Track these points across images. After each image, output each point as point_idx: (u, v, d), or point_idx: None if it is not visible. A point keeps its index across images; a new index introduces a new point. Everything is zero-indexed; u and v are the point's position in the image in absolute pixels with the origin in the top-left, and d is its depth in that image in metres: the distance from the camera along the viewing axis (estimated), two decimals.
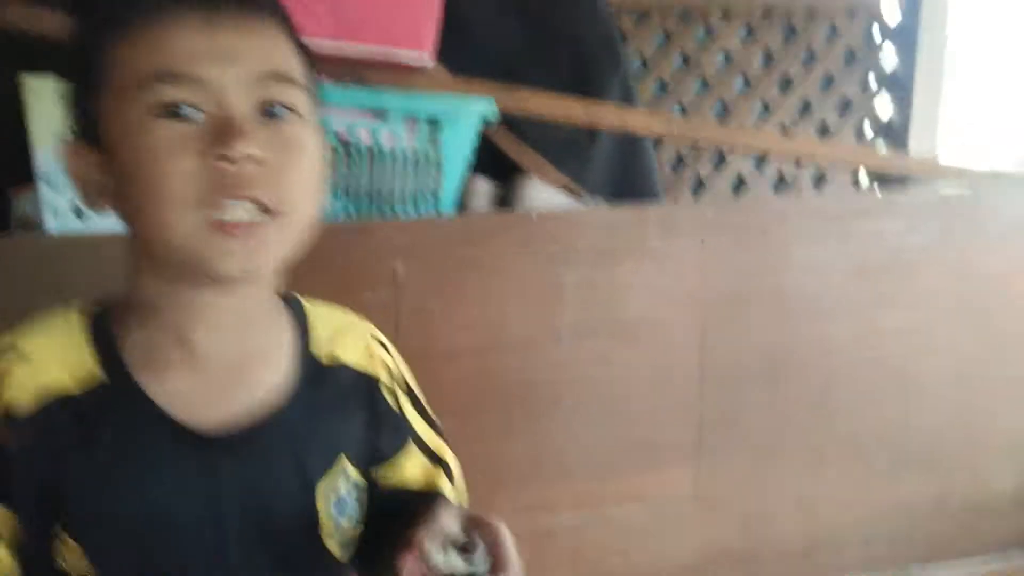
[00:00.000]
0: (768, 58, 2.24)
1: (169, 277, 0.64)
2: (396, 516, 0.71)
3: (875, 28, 2.27)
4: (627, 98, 1.78)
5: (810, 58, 2.25)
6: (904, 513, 1.63)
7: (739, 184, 2.30)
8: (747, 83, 2.24)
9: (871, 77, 2.30)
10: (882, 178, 2.12)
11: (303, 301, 0.76)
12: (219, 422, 0.66)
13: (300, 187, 0.62)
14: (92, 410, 0.64)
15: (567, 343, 1.40)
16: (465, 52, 1.50)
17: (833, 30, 2.24)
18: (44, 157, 1.20)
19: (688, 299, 1.45)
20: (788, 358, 1.51)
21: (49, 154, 1.19)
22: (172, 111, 0.59)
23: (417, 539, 0.61)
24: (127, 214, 0.63)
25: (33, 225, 1.28)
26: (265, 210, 0.60)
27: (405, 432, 0.78)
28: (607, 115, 1.44)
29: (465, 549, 0.62)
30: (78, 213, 1.22)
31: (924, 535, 1.65)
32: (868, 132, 2.34)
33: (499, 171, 1.50)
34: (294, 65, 0.64)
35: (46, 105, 1.18)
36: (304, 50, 0.67)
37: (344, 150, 1.30)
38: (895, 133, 2.31)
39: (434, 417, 0.82)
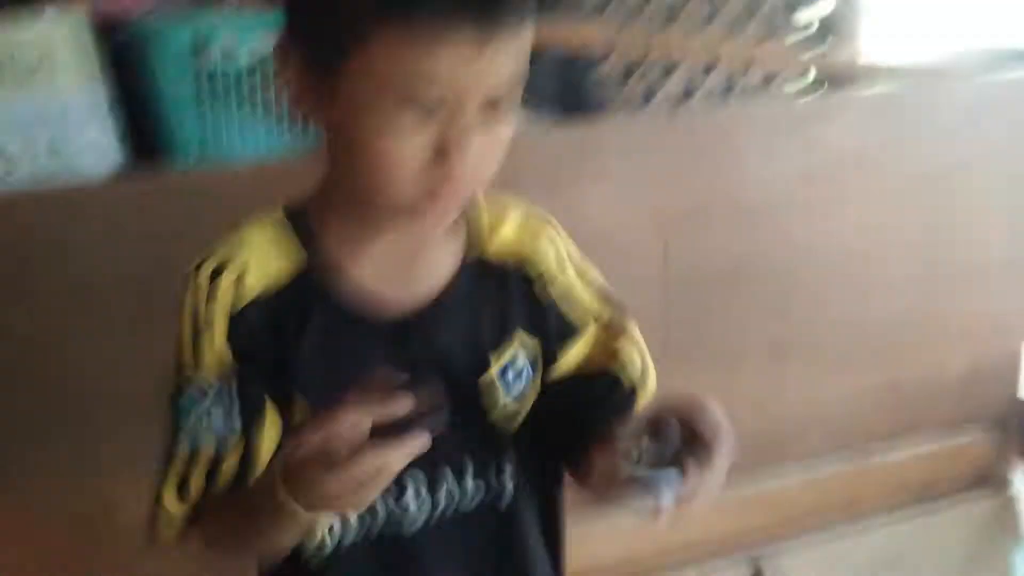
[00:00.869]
0: None
1: (367, 207, 0.70)
2: (585, 405, 0.77)
3: None
4: (571, 9, 1.70)
5: None
6: (862, 398, 1.66)
7: (686, 94, 2.25)
8: None
9: None
10: (827, 77, 2.09)
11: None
12: (401, 306, 0.73)
13: (495, 168, 0.68)
14: (299, 298, 0.72)
15: None
16: None
17: None
18: None
19: (646, 214, 1.42)
20: (748, 263, 1.50)
21: None
22: (415, 105, 0.61)
23: (613, 436, 0.65)
24: (340, 155, 0.69)
25: None
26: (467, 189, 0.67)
27: (569, 323, 0.79)
28: (555, 31, 1.36)
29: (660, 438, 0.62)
30: None
31: (881, 417, 1.69)
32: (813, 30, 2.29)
33: None
34: (526, 64, 0.66)
35: None
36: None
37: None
38: (840, 31, 2.26)
39: (608, 291, 0.83)
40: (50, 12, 1.12)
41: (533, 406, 0.78)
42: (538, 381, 0.78)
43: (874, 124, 1.53)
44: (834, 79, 2.06)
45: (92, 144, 1.17)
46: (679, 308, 1.48)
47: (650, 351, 1.45)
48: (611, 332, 0.81)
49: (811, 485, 1.66)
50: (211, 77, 1.18)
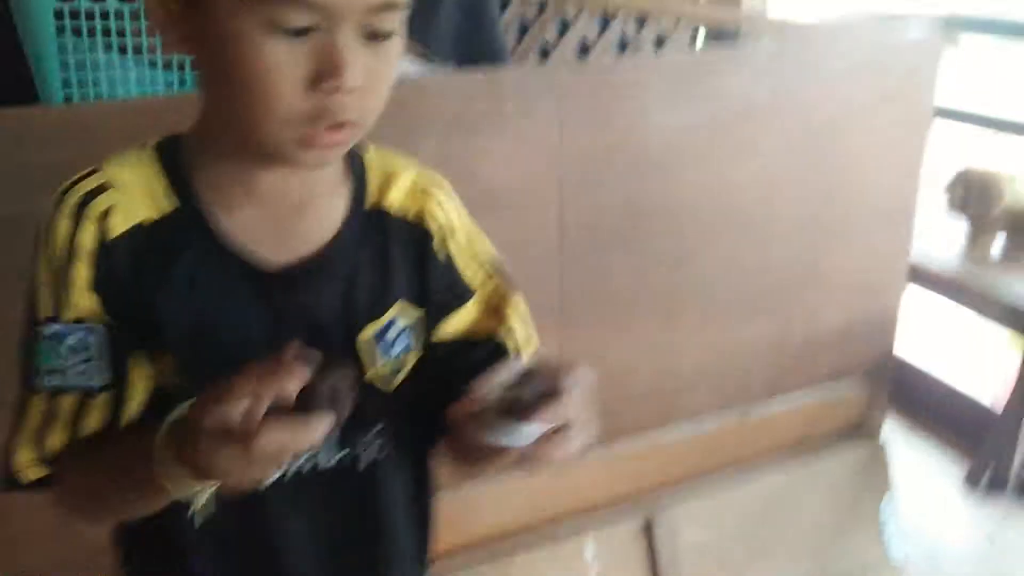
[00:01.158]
0: None
1: (247, 147, 0.65)
2: (465, 371, 0.71)
3: None
4: None
5: None
6: (748, 353, 1.70)
7: (583, 50, 2.23)
8: None
9: None
10: (717, 37, 2.11)
11: (367, 150, 0.75)
12: (277, 257, 0.69)
13: (383, 100, 0.64)
14: (168, 238, 0.67)
15: None
16: None
17: None
18: None
19: (545, 164, 1.38)
20: (646, 216, 1.49)
21: None
22: (285, 31, 0.58)
23: (472, 389, 0.62)
24: (213, 90, 0.65)
25: None
26: (351, 124, 0.62)
27: (460, 286, 0.76)
28: None
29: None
30: None
31: (765, 372, 1.73)
32: None
33: None
34: None
35: None
36: None
37: None
38: None
39: (496, 262, 0.79)
40: None
41: (413, 369, 0.75)
42: (419, 344, 0.75)
43: (767, 77, 1.53)
44: (723, 37, 2.09)
45: None
46: (575, 263, 1.46)
47: (546, 309, 1.45)
48: (497, 301, 0.78)
49: (699, 439, 1.70)
50: (75, 16, 1.07)
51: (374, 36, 0.61)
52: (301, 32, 0.58)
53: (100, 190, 0.66)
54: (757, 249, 1.63)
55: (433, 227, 0.74)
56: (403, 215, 0.74)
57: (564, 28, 2.19)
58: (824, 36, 1.72)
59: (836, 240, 1.70)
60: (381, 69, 0.62)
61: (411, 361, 0.74)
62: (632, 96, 1.41)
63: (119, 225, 0.66)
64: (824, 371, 1.80)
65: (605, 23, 2.19)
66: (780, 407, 1.77)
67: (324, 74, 0.59)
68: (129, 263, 0.66)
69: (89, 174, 0.67)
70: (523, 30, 2.16)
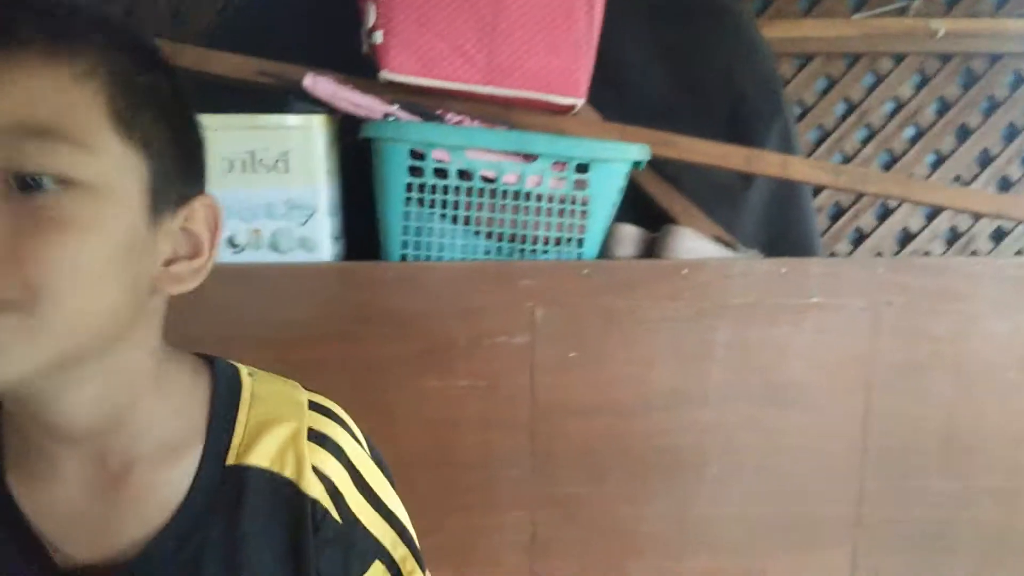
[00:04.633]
0: (944, 106, 2.00)
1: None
2: None
3: None
4: (787, 144, 1.61)
5: (991, 107, 1.99)
6: None
7: (905, 237, 2.06)
8: (919, 132, 2.00)
9: None
10: None
11: (243, 377, 0.59)
12: (91, 553, 0.52)
13: (58, 272, 0.45)
14: None
15: (715, 405, 1.23)
16: (618, 95, 1.39)
17: (1019, 77, 1.97)
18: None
19: (852, 364, 1.25)
20: (967, 437, 1.27)
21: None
22: None
23: None
24: None
25: None
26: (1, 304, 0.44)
27: (363, 551, 0.60)
28: (769, 163, 1.27)
29: None
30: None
31: None
32: None
33: (647, 218, 1.37)
34: (76, 112, 0.46)
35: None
36: (132, 84, 0.49)
37: (489, 192, 1.21)
38: None
39: (399, 516, 0.64)
40: (292, 118, 1.18)
41: None
42: None
43: None
44: None
45: (311, 240, 1.21)
46: (878, 476, 1.27)
47: (840, 521, 1.27)
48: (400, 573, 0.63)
49: None
50: (422, 190, 1.21)
51: (24, 184, 0.45)
52: None
53: None
54: None
55: (320, 488, 0.57)
56: (269, 469, 0.56)
57: (885, 213, 2.05)
58: None
59: None
60: (45, 229, 0.45)
61: None
62: (963, 301, 1.24)
63: None
64: None
65: (934, 212, 2.02)
66: None
67: None
68: None
69: None
70: (838, 213, 2.06)
